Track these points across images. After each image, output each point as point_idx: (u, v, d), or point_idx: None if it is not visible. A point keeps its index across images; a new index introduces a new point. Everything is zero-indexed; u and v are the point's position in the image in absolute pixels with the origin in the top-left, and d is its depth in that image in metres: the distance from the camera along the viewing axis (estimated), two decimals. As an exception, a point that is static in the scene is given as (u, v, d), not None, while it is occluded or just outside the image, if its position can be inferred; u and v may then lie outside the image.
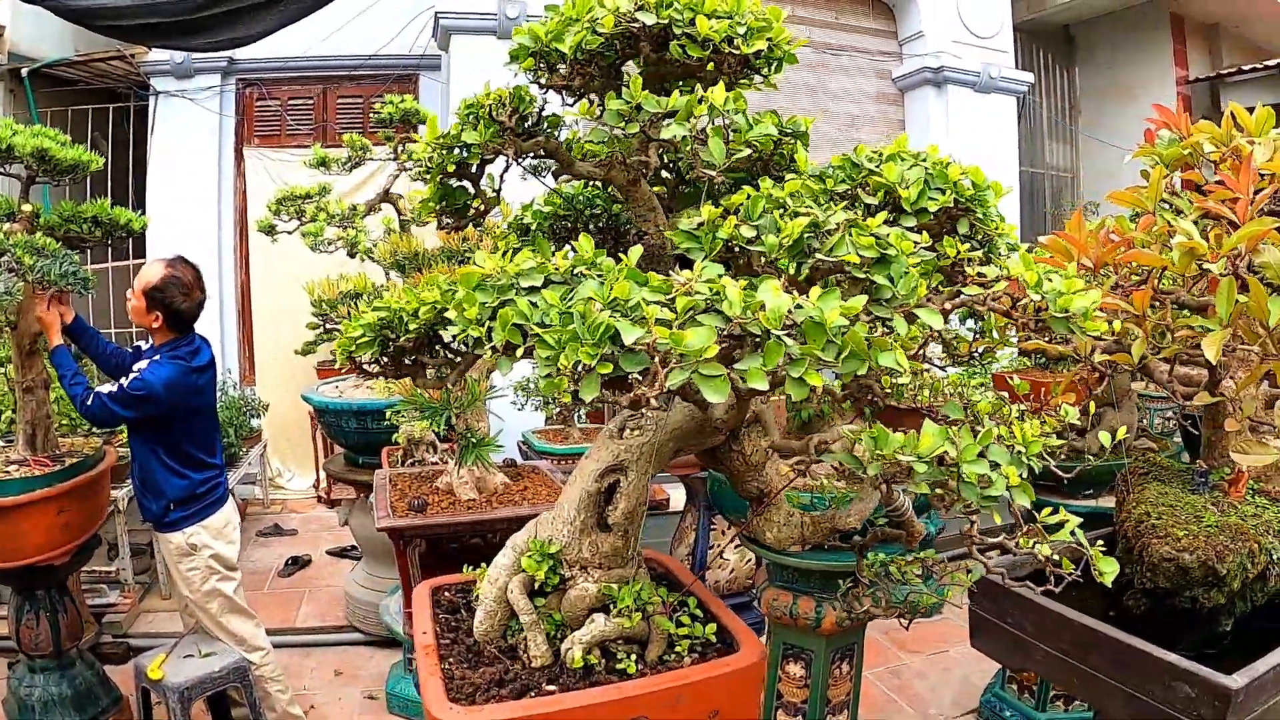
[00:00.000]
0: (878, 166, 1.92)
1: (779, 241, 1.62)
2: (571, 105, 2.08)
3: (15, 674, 4.18)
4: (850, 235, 1.63)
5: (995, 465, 1.58)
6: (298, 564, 6.60)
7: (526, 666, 1.94)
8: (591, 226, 2.39)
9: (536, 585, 2.02)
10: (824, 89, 8.63)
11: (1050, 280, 1.71)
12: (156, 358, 3.85)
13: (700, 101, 1.74)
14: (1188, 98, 10.44)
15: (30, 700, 4.08)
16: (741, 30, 1.81)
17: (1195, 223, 2.16)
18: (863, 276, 1.62)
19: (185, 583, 4.01)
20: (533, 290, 1.54)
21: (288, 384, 8.40)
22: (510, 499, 3.10)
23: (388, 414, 4.48)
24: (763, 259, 1.66)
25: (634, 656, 1.93)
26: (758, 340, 1.39)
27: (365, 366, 1.97)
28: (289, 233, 5.51)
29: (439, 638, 2.06)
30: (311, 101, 8.41)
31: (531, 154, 2.07)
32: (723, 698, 1.87)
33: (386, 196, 5.62)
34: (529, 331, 1.45)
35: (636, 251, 1.60)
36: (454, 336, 1.58)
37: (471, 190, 2.21)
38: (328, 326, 7.75)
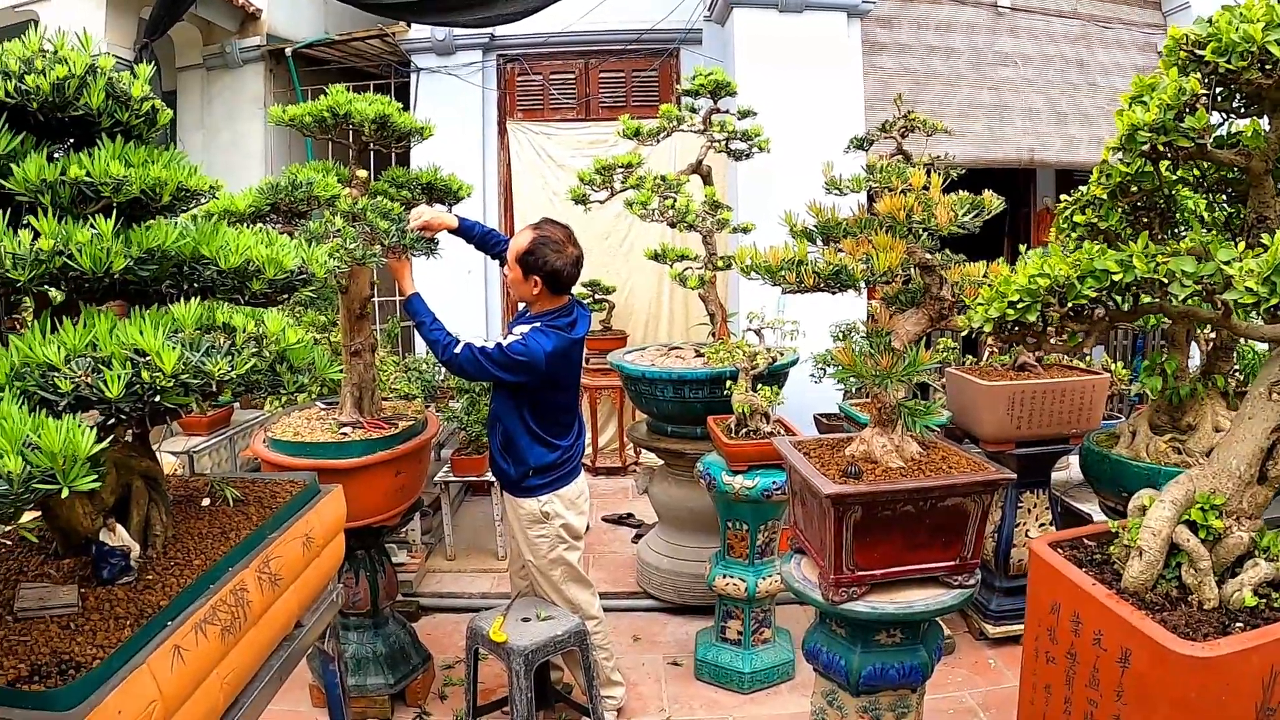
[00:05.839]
0: None
1: None
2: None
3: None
4: None
5: None
6: (576, 532, 6.73)
7: (1199, 609, 2.08)
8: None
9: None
10: (1090, 62, 8.38)
11: None
12: (537, 324, 3.88)
13: None
14: None
15: (343, 656, 4.24)
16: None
17: None
18: None
19: (531, 548, 4.08)
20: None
21: (549, 356, 8.58)
22: (935, 467, 3.11)
23: (727, 384, 4.55)
24: None
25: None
26: None
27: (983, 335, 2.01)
28: (600, 203, 5.60)
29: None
30: (573, 76, 8.58)
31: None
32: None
33: (698, 168, 5.66)
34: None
35: None
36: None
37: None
38: (597, 297, 7.94)
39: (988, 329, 2.14)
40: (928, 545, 2.99)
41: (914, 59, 7.91)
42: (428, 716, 4.45)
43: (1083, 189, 2.60)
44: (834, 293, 3.06)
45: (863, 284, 2.92)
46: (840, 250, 3.06)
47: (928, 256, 3.02)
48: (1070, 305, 1.95)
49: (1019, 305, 1.99)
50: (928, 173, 3.08)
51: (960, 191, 3.04)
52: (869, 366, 2.96)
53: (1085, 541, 2.46)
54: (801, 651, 3.45)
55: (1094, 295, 1.94)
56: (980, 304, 2.10)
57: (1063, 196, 2.71)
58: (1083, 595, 2.17)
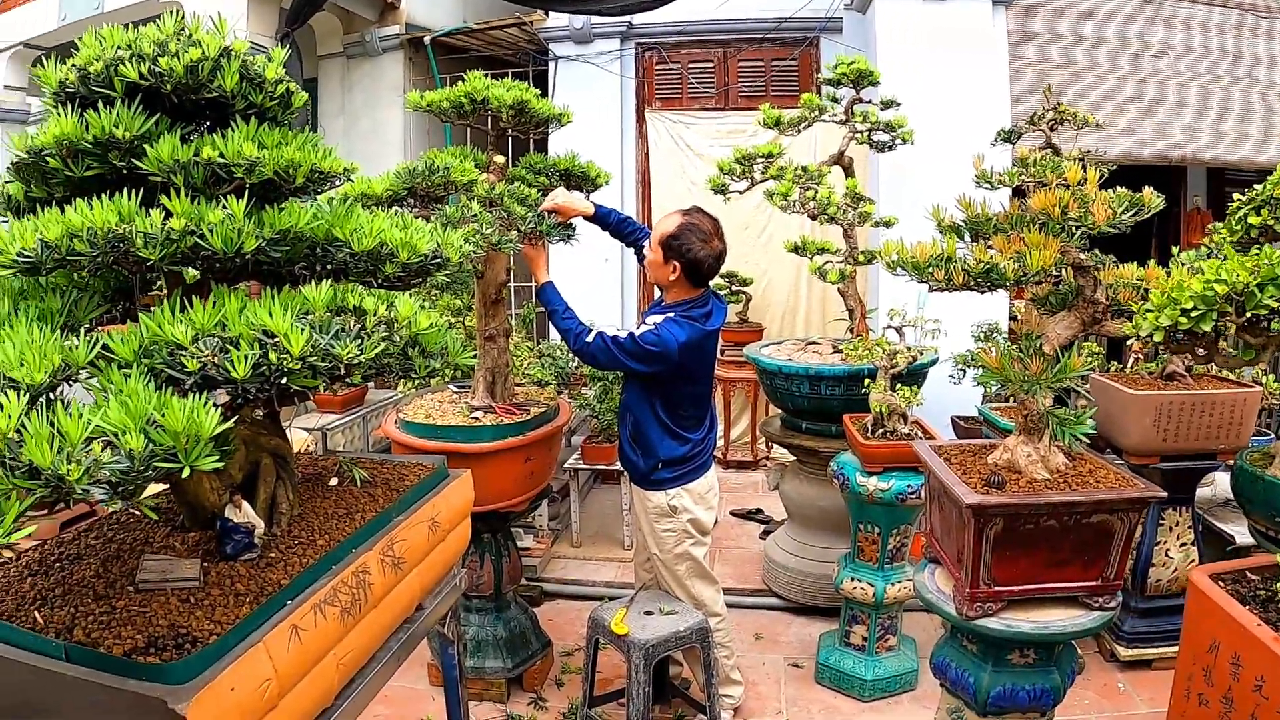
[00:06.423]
0: None
1: None
2: None
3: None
4: None
5: None
6: (703, 524, 6.69)
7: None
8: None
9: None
10: (1245, 54, 7.87)
11: None
12: (671, 315, 3.80)
13: None
14: None
15: (463, 638, 4.24)
16: None
17: None
18: None
19: (657, 541, 4.02)
20: None
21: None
22: (1082, 480, 2.95)
23: (866, 382, 4.43)
24: None
25: None
26: None
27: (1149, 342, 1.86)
28: (740, 193, 5.53)
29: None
30: (712, 65, 8.50)
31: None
32: None
33: (840, 160, 5.53)
34: None
35: None
36: None
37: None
38: (734, 289, 7.87)
39: (1158, 338, 1.98)
40: (1069, 563, 2.86)
41: (1061, 49, 7.54)
42: (544, 703, 4.45)
43: (1258, 187, 2.40)
44: (983, 292, 2.92)
45: (1011, 284, 2.77)
46: (990, 248, 2.92)
47: (1081, 256, 2.86)
48: (1248, 315, 1.77)
49: (1193, 313, 1.82)
50: (1082, 167, 2.91)
51: (1118, 188, 2.86)
52: (1017, 371, 2.81)
53: (1248, 575, 2.26)
54: (928, 664, 3.33)
55: (1275, 305, 1.74)
56: (1150, 310, 1.94)
57: (1235, 195, 2.52)
58: (1245, 636, 2.00)
